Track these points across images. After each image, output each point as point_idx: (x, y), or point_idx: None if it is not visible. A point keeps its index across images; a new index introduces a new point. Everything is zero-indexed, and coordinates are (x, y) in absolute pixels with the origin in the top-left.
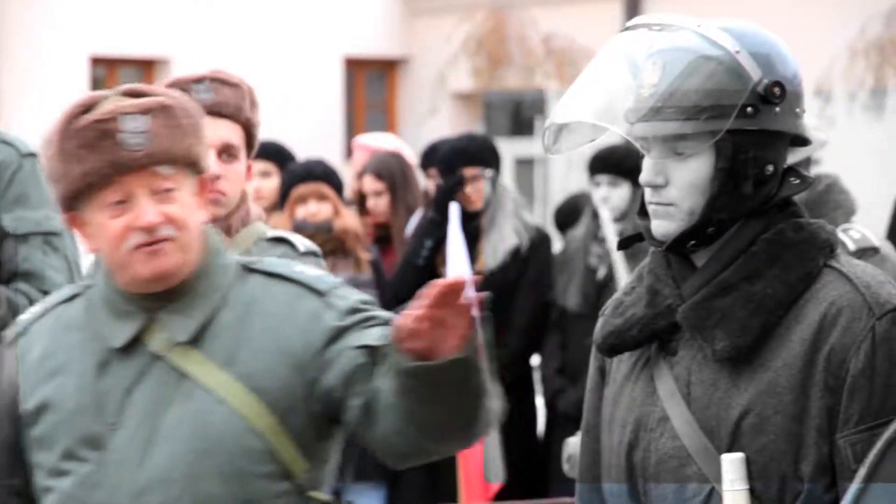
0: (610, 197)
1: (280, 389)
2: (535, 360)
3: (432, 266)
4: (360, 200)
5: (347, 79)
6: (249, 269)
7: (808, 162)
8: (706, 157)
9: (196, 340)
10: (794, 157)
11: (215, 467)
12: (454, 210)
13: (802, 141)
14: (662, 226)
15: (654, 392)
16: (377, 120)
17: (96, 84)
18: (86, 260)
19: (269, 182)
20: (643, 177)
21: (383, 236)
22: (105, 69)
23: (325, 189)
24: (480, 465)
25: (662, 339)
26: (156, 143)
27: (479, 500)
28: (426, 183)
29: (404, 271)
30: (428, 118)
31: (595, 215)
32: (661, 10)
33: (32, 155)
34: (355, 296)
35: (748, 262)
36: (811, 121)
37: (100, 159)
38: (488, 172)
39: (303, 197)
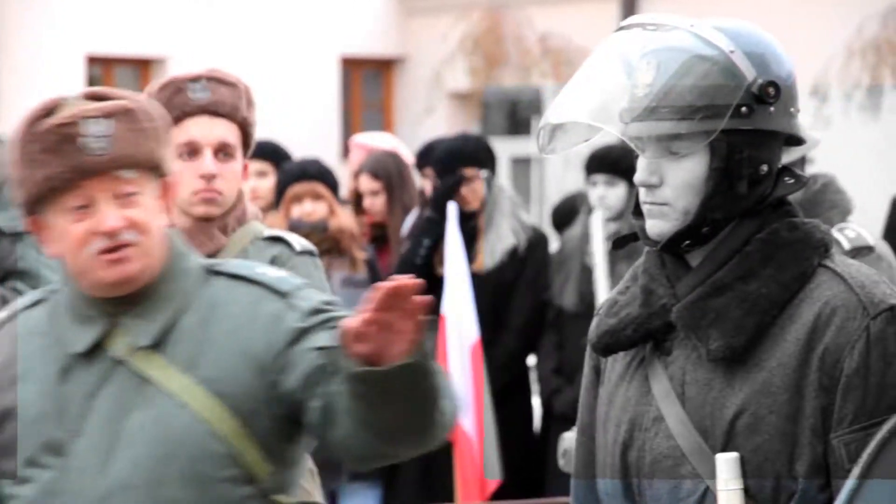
0: (606, 196)
1: (243, 393)
2: (532, 359)
3: (430, 265)
4: (357, 200)
5: (344, 78)
6: (213, 272)
7: (802, 161)
8: (701, 156)
9: (158, 345)
10: (788, 156)
11: (177, 472)
12: (452, 209)
13: (797, 140)
14: (657, 225)
15: (649, 392)
16: (374, 119)
17: (93, 83)
18: None
19: (265, 181)
20: (638, 176)
21: (379, 236)
22: (102, 68)
23: (321, 188)
24: (476, 464)
25: (657, 339)
26: (118, 148)
27: (475, 499)
28: (422, 182)
29: (402, 271)
30: (424, 117)
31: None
32: (657, 9)
33: None
34: (319, 297)
35: (743, 261)
36: (805, 120)
37: (62, 164)
38: (484, 173)
39: (298, 196)
